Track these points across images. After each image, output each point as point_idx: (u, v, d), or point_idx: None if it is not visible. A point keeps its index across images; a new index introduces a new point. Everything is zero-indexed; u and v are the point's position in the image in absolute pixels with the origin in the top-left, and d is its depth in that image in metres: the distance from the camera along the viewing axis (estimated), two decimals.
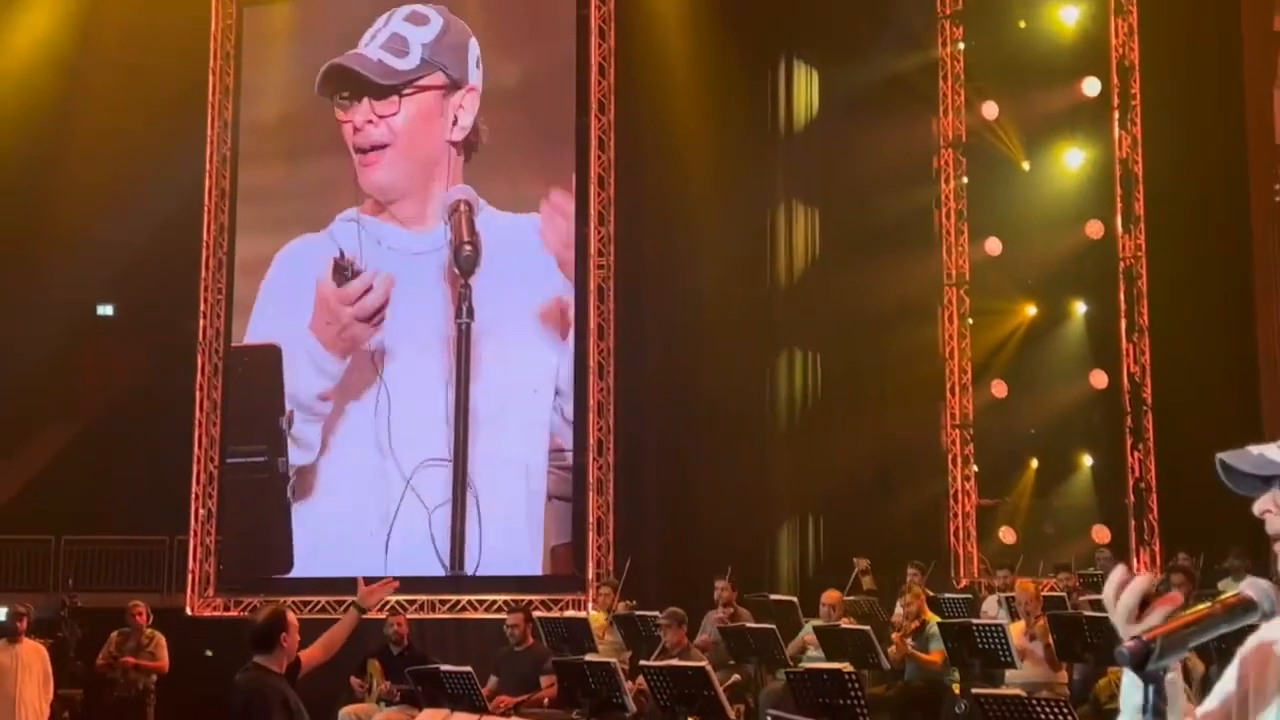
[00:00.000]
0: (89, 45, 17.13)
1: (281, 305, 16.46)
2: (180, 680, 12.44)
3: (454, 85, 15.99)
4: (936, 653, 9.71)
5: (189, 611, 16.06)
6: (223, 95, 17.09)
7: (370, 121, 16.05)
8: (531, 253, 15.64)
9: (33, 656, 11.27)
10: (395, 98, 16.03)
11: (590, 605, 13.83)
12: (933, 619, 10.07)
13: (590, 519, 15.04)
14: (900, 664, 10.03)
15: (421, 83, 16.03)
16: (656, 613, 10.80)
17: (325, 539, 15.83)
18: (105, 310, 19.00)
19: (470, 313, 15.52)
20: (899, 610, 10.74)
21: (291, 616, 5.86)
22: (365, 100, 16.10)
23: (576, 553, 15.07)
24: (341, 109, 16.21)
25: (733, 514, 14.99)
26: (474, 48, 16.02)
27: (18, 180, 17.43)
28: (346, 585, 15.29)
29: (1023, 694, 7.56)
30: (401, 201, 16.18)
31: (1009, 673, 9.24)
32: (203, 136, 16.98)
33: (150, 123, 16.50)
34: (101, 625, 12.91)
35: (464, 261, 15.66)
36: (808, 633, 10.63)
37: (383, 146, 16.07)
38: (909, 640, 9.91)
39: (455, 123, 15.92)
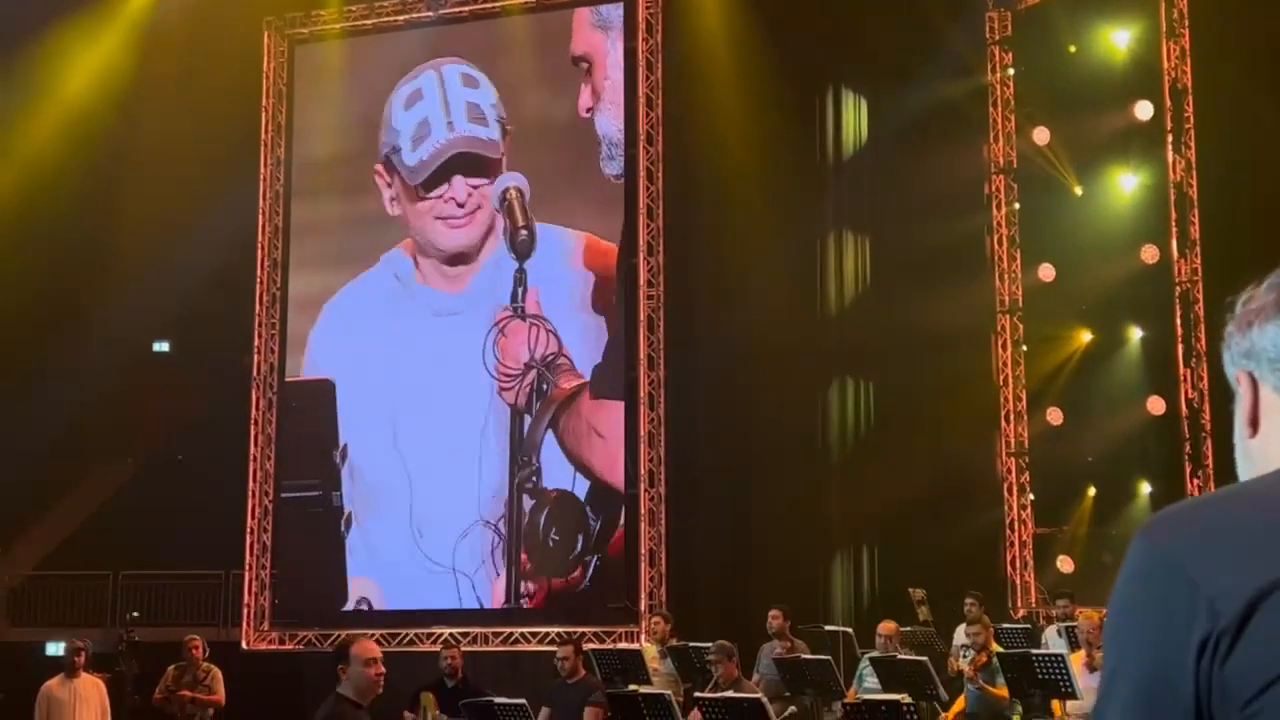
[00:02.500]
0: (143, 84, 17.40)
1: (338, 342, 16.61)
2: (236, 714, 12.48)
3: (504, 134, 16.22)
4: (1003, 687, 9.56)
5: (245, 645, 16.13)
6: (275, 132, 17.28)
7: (469, 194, 16.19)
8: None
9: (90, 691, 11.37)
10: (487, 176, 16.24)
11: (643, 637, 13.77)
12: (997, 649, 9.94)
13: (642, 550, 14.99)
14: (954, 673, 9.86)
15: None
16: (709, 644, 10.72)
17: (379, 571, 15.90)
18: (161, 346, 19.25)
19: (525, 295, 15.59)
20: (963, 640, 10.60)
21: (361, 648, 5.78)
22: (460, 177, 16.24)
23: (628, 585, 15.02)
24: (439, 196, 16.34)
25: (785, 544, 14.89)
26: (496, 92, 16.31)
27: (74, 218, 17.72)
28: (399, 618, 15.39)
29: None
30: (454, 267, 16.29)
31: (1070, 704, 9.10)
32: (256, 173, 17.17)
33: (204, 160, 16.72)
34: (158, 659, 13.00)
35: (520, 246, 15.79)
36: (869, 679, 10.46)
37: (477, 209, 16.22)
38: (979, 673, 9.76)
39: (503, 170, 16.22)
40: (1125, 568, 1.36)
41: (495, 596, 15.50)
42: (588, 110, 15.92)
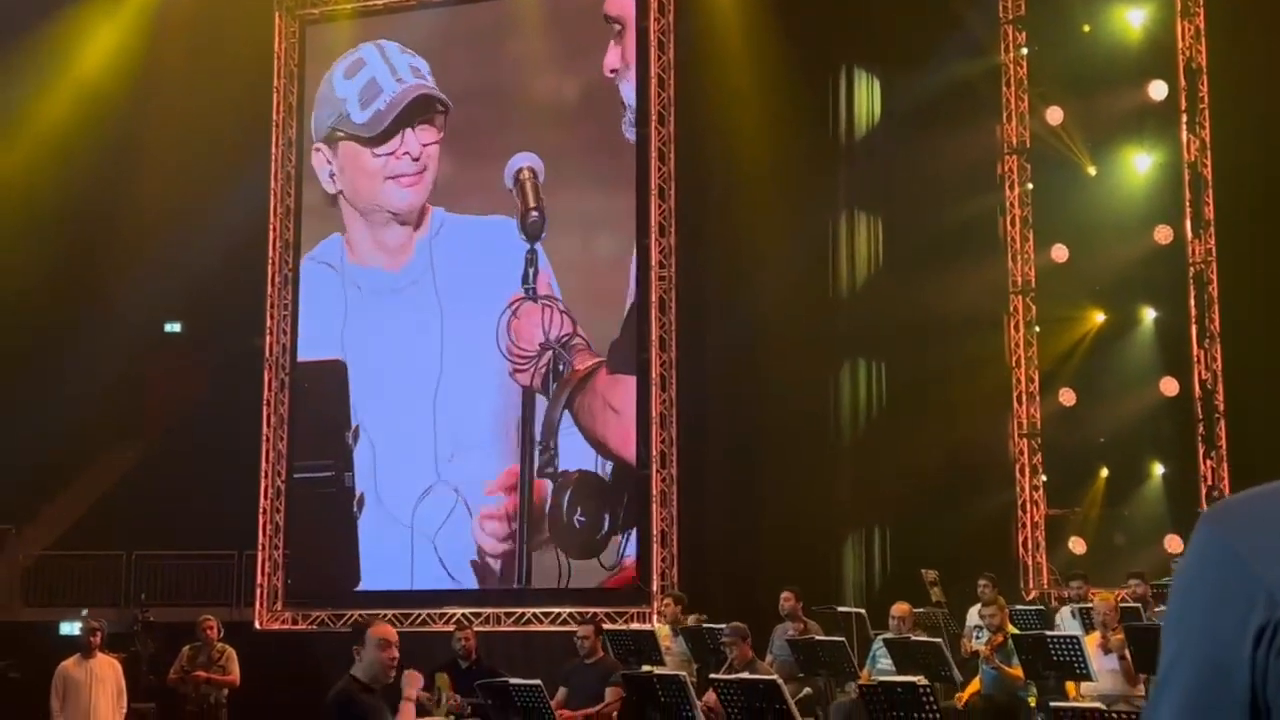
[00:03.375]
0: (155, 65, 17.37)
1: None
2: (249, 694, 12.53)
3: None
4: (1018, 667, 9.58)
5: (258, 625, 16.18)
6: (286, 113, 17.26)
7: (423, 149, 16.41)
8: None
9: (106, 670, 11.40)
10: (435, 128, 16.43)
11: (655, 618, 13.79)
12: (1012, 630, 9.95)
13: (654, 531, 15.00)
14: (969, 654, 9.87)
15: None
16: (723, 625, 10.73)
17: (393, 552, 15.93)
18: (173, 327, 19.25)
19: (536, 277, 15.61)
20: (976, 620, 10.60)
21: (377, 630, 5.76)
22: (411, 130, 16.43)
23: (641, 565, 15.04)
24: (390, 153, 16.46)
25: (797, 525, 14.90)
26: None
27: (86, 199, 17.72)
28: (412, 598, 15.42)
29: (1102, 707, 7.44)
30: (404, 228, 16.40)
31: (1085, 685, 9.10)
32: (267, 154, 17.15)
33: (215, 141, 16.70)
34: (172, 639, 13.05)
35: (530, 227, 15.79)
36: (882, 659, 10.47)
37: (424, 170, 16.46)
38: (994, 653, 9.77)
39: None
40: (1187, 555, 1.35)
41: (508, 577, 15.52)
42: (613, 71, 15.86)
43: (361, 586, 16.07)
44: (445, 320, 16.07)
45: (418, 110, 16.47)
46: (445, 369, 15.92)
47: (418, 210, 16.38)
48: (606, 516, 15.27)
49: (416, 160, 16.33)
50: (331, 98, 16.89)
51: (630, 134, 15.67)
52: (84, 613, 15.47)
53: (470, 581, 15.59)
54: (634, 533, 15.14)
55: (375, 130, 16.55)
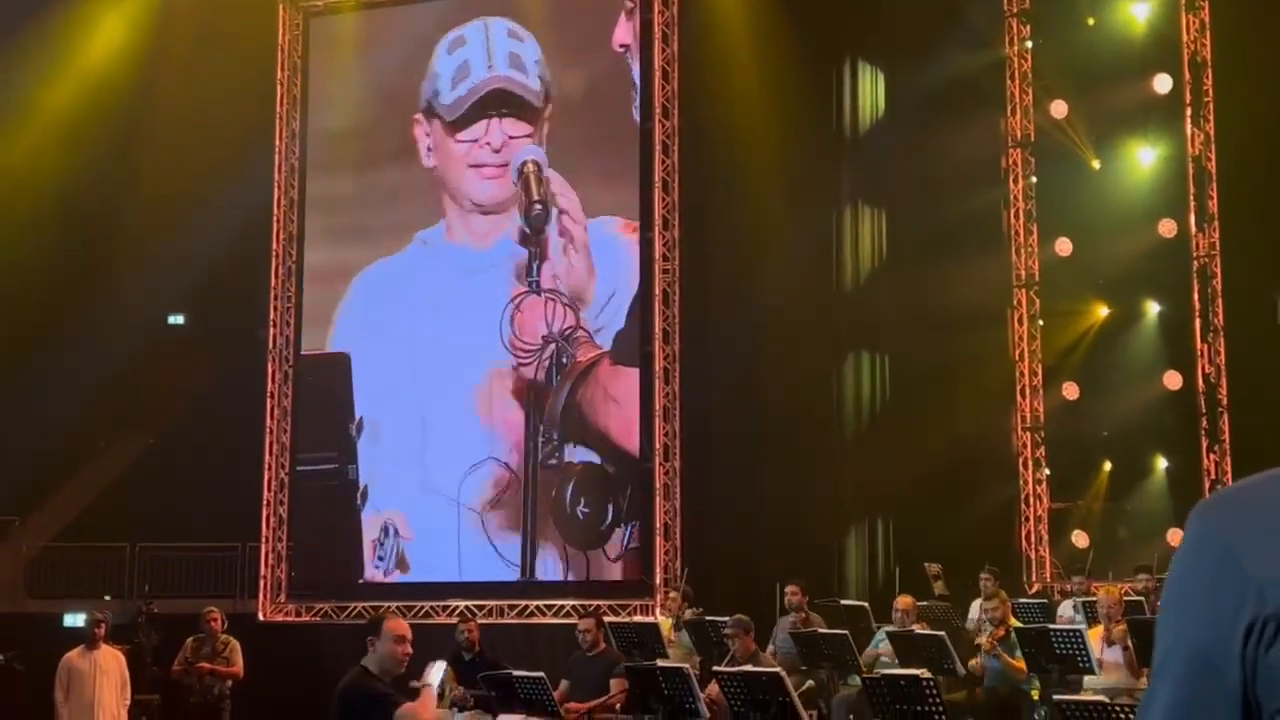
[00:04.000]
0: (159, 57, 17.37)
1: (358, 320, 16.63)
2: (253, 686, 12.55)
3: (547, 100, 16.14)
4: (1020, 660, 9.59)
5: (261, 617, 16.21)
6: (290, 105, 17.26)
7: (505, 142, 16.12)
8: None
9: (110, 662, 11.44)
10: (526, 122, 16.14)
11: (658, 610, 13.81)
12: (1015, 624, 9.96)
13: (657, 524, 15.01)
14: (980, 672, 9.90)
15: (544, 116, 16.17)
16: (725, 618, 10.74)
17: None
18: (177, 320, 19.26)
19: (540, 270, 15.58)
20: (978, 615, 10.61)
21: (393, 625, 5.93)
22: (497, 120, 16.15)
23: (644, 558, 15.06)
24: (480, 127, 16.26)
25: (801, 518, 14.91)
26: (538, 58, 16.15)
27: (90, 191, 17.73)
28: (416, 590, 15.44)
29: (1105, 699, 7.44)
30: (487, 217, 16.26)
31: (1088, 678, 9.11)
32: (271, 147, 17.15)
33: (219, 133, 16.70)
34: (176, 631, 13.08)
35: (534, 220, 15.76)
36: (883, 643, 10.50)
37: (502, 165, 16.15)
38: (997, 646, 9.78)
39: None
40: (1180, 549, 1.35)
41: (511, 569, 15.54)
42: (623, 46, 15.82)
43: (365, 578, 16.10)
44: (449, 312, 16.07)
45: (498, 101, 16.22)
46: (451, 361, 15.92)
47: (501, 202, 16.25)
48: (610, 508, 15.29)
49: (498, 152, 16.18)
50: (432, 72, 16.64)
51: (638, 115, 15.64)
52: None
53: (474, 574, 15.60)
54: (636, 525, 15.15)
55: (456, 113, 16.39)
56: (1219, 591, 1.26)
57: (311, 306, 16.91)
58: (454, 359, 15.90)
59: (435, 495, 15.77)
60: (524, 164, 15.96)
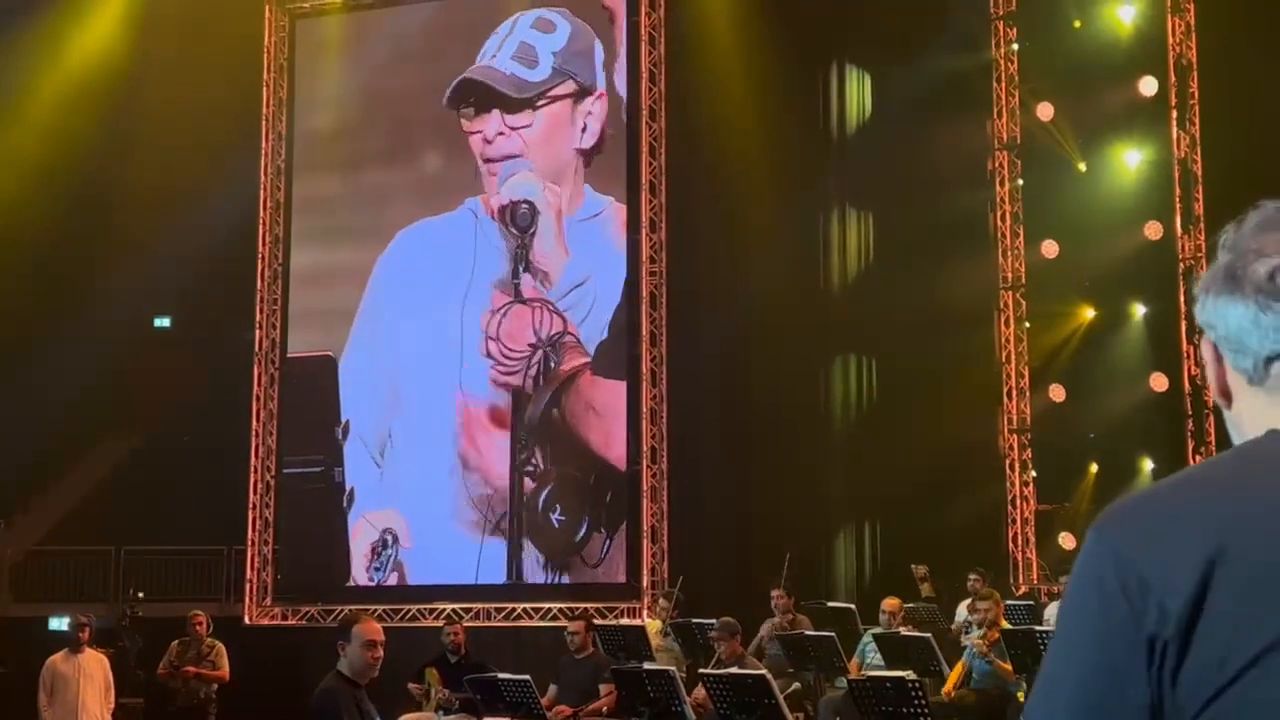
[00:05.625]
0: (144, 58, 17.32)
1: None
2: (239, 689, 12.51)
3: (583, 92, 15.93)
4: (1008, 661, 9.58)
5: (247, 620, 16.15)
6: (276, 107, 17.22)
7: (502, 134, 16.04)
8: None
9: (94, 666, 11.40)
10: (529, 110, 16.01)
11: (645, 613, 13.79)
12: (1005, 625, 9.95)
13: (644, 527, 15.00)
14: (950, 699, 9.85)
15: (554, 93, 15.99)
16: (713, 620, 10.73)
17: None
18: (162, 322, 19.22)
19: (524, 272, 15.56)
20: (965, 615, 10.60)
21: (363, 629, 5.71)
22: (495, 112, 16.05)
23: (631, 561, 15.03)
24: (467, 119, 16.18)
25: (788, 520, 14.90)
26: (599, 51, 15.94)
27: (75, 193, 17.67)
28: (403, 593, 15.41)
29: None
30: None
31: None
32: (257, 148, 17.10)
33: (205, 135, 16.66)
34: (161, 635, 13.03)
35: (520, 218, 15.72)
36: (872, 655, 10.44)
37: (515, 157, 16.05)
38: (989, 649, 9.76)
39: (584, 130, 15.88)
40: (1076, 566, 1.29)
41: (499, 573, 15.50)
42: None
43: (352, 581, 16.06)
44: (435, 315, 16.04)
45: (478, 95, 16.12)
46: (434, 364, 15.89)
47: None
48: (586, 519, 15.24)
49: (490, 143, 16.03)
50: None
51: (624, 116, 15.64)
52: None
53: (461, 577, 15.57)
54: (620, 530, 15.12)
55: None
56: (1118, 610, 1.22)
57: (297, 308, 16.86)
58: (438, 362, 15.85)
59: (422, 498, 15.72)
60: (511, 172, 15.90)
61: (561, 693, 10.17)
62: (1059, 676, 1.27)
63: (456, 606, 14.87)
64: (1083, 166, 15.48)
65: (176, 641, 12.36)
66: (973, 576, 11.76)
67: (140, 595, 15.71)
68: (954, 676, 10.04)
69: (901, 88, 15.87)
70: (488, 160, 16.07)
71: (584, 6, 16.08)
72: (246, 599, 16.36)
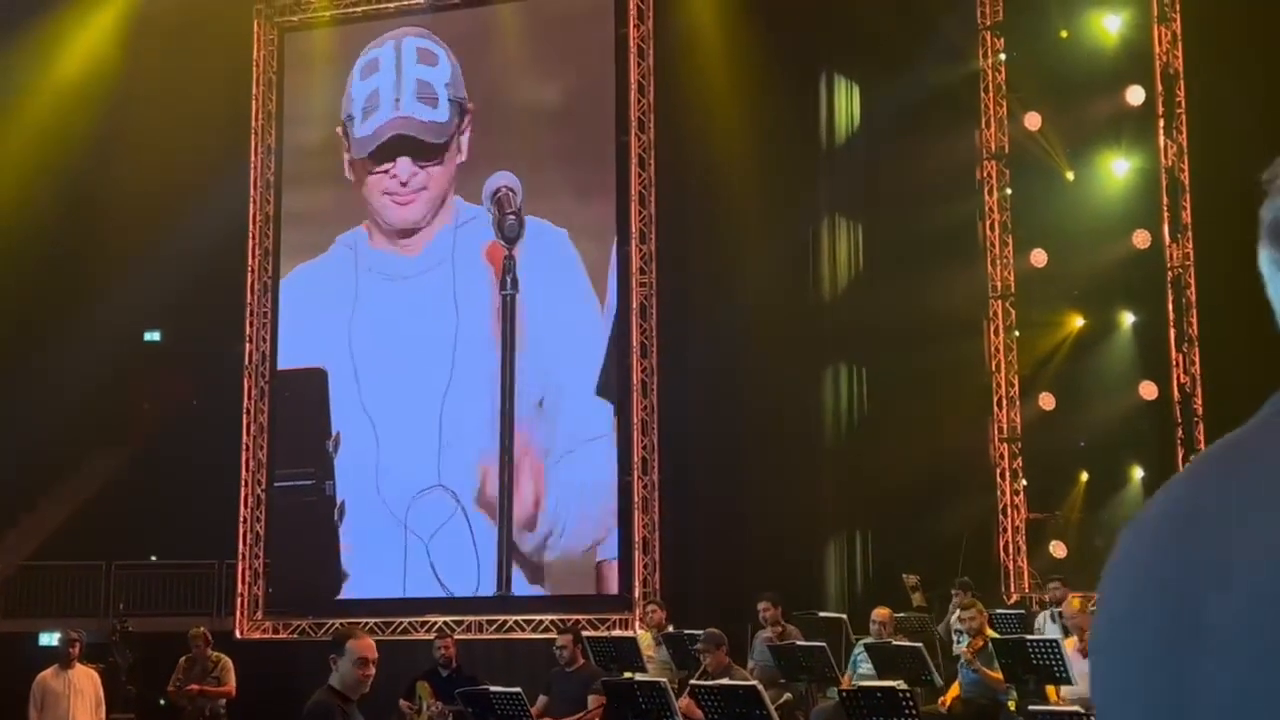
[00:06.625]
0: (133, 72, 17.32)
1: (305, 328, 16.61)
2: (244, 704, 12.47)
3: (463, 114, 16.16)
4: (998, 671, 9.58)
5: (238, 635, 16.11)
6: (265, 120, 17.22)
7: (414, 174, 16.21)
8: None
9: (85, 681, 11.36)
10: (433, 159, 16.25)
11: (637, 624, 13.78)
12: (992, 634, 9.96)
13: (636, 537, 14.99)
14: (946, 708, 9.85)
15: (461, 130, 16.22)
16: (701, 631, 10.71)
17: (373, 559, 15.89)
18: (153, 336, 19.19)
19: (515, 284, 15.64)
20: (953, 624, 10.60)
21: (357, 645, 5.67)
22: (405, 158, 16.27)
23: (622, 572, 15.02)
24: (384, 171, 16.34)
25: (779, 530, 14.90)
26: (457, 69, 16.24)
27: (64, 207, 17.66)
28: (394, 606, 15.38)
29: (1081, 710, 7.45)
30: (414, 236, 16.31)
31: (1064, 689, 9.11)
32: (246, 161, 17.10)
33: (194, 149, 16.66)
34: (152, 649, 13.01)
35: (508, 229, 15.75)
36: (864, 664, 10.44)
37: (422, 189, 16.21)
38: (975, 658, 9.76)
39: (460, 150, 16.18)
40: (1110, 568, 1.13)
41: (489, 584, 15.48)
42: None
43: (343, 595, 16.02)
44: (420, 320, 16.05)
45: (405, 145, 16.35)
46: (430, 372, 15.88)
47: (417, 224, 16.30)
48: (579, 531, 15.22)
49: (405, 185, 16.27)
50: (349, 93, 16.78)
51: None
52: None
53: (452, 589, 15.55)
54: (614, 539, 15.12)
55: (365, 150, 16.51)
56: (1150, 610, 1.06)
57: (287, 321, 16.84)
58: (429, 376, 15.85)
59: (413, 510, 15.70)
60: (497, 190, 15.92)
61: (552, 705, 10.15)
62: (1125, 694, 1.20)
63: (448, 619, 14.84)
64: (1071, 175, 15.52)
65: (184, 658, 12.33)
66: (955, 590, 11.76)
67: (121, 607, 15.66)
68: (952, 692, 10.05)
69: (890, 98, 15.90)
70: (389, 193, 16.26)
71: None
72: (237, 613, 16.33)
